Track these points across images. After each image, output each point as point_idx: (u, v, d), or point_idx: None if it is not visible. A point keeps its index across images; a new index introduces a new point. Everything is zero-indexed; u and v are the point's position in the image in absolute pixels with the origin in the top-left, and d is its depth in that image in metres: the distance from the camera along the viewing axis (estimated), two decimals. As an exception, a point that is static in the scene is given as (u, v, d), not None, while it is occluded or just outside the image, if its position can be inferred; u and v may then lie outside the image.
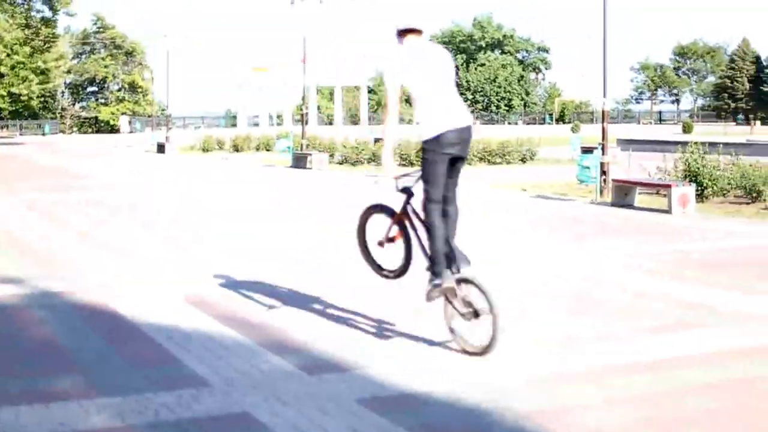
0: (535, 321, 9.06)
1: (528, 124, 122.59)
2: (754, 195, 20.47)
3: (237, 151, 53.63)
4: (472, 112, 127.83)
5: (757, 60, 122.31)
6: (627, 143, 41.14)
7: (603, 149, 22.81)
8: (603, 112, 24.01)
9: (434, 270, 7.79)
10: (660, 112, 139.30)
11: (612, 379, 7.13)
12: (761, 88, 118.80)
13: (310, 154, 37.16)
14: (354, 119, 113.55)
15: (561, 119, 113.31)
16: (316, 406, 6.45)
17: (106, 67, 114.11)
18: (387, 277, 8.44)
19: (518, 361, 7.57)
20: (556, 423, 6.15)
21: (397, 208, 8.18)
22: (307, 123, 46.28)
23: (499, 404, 6.49)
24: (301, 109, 47.80)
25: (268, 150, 52.90)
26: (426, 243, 7.93)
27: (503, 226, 17.27)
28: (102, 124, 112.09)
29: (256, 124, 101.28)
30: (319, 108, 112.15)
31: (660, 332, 8.59)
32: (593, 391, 6.81)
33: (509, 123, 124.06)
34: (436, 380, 7.04)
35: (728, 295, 10.35)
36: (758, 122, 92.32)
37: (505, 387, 6.90)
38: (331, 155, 39.88)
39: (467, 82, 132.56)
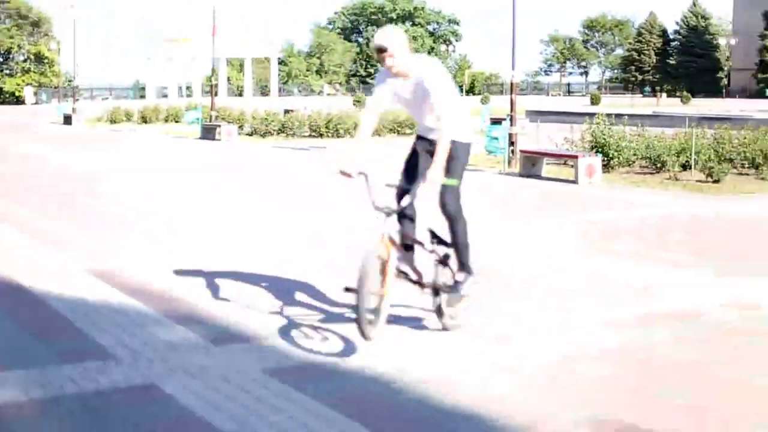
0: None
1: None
2: (659, 165, 20.84)
3: (145, 122, 52.88)
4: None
5: (663, 33, 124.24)
6: (536, 115, 41.53)
7: (511, 120, 23.01)
8: (511, 84, 24.19)
9: (468, 267, 7.48)
10: (569, 84, 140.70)
11: (498, 345, 7.24)
12: (667, 60, 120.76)
13: (219, 126, 36.85)
14: (264, 91, 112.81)
15: (471, 91, 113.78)
16: (221, 377, 6.43)
17: (11, 37, 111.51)
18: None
19: (417, 334, 7.63)
20: (447, 388, 6.22)
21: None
22: (216, 94, 45.89)
23: (405, 373, 6.54)
24: (211, 81, 47.36)
25: (176, 122, 52.25)
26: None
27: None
28: (6, 96, 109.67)
29: (165, 96, 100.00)
30: (229, 79, 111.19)
31: (564, 298, 8.73)
32: (475, 359, 6.91)
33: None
34: (342, 350, 7.06)
35: (627, 263, 10.54)
36: (664, 94, 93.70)
37: (410, 356, 6.95)
38: (241, 127, 39.62)
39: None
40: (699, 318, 8.10)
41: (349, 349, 7.05)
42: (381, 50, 7.15)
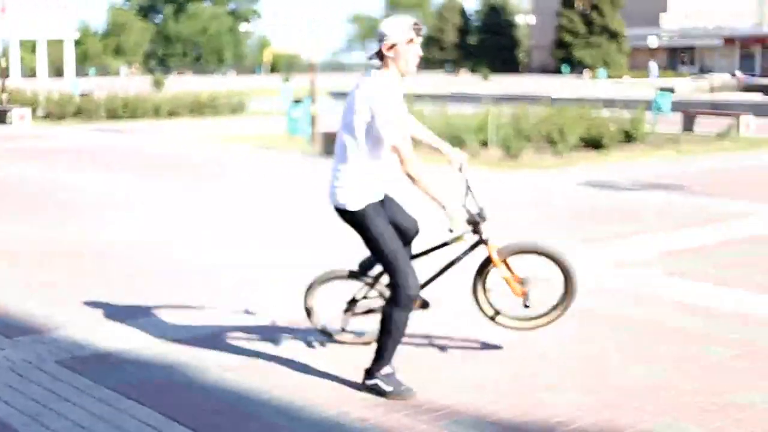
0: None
1: (240, 75, 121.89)
2: (458, 143, 21.00)
3: (-69, 106, 50.32)
4: (182, 65, 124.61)
5: (462, 12, 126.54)
6: (338, 94, 41.53)
7: (312, 100, 22.82)
8: (311, 63, 24.04)
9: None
10: (371, 64, 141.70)
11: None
12: (467, 39, 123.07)
13: (11, 108, 35.34)
14: (60, 72, 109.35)
15: (273, 70, 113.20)
16: (13, 369, 6.20)
17: None
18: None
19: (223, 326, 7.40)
20: (255, 376, 6.18)
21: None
22: (7, 76, 44.02)
23: (197, 357, 6.47)
24: (1, 62, 45.43)
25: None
26: None
27: (218, 187, 16.94)
28: None
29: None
30: (22, 59, 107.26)
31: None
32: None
33: (221, 74, 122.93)
34: (132, 338, 6.91)
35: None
36: (466, 71, 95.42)
37: (213, 345, 6.85)
38: (35, 109, 38.13)
39: (177, 34, 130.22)
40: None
41: (148, 339, 6.89)
42: (419, 29, 5.81)
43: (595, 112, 23.11)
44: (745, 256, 9.98)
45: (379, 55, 5.76)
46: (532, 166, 18.36)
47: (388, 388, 5.74)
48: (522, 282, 6.24)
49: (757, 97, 42.56)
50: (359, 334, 6.72)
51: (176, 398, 5.71)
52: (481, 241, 6.16)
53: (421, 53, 5.78)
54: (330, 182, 5.87)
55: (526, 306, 6.22)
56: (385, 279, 6.05)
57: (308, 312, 6.63)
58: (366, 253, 6.06)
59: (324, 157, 20.11)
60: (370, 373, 5.82)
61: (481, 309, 6.49)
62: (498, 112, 21.98)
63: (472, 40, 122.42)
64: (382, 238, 5.73)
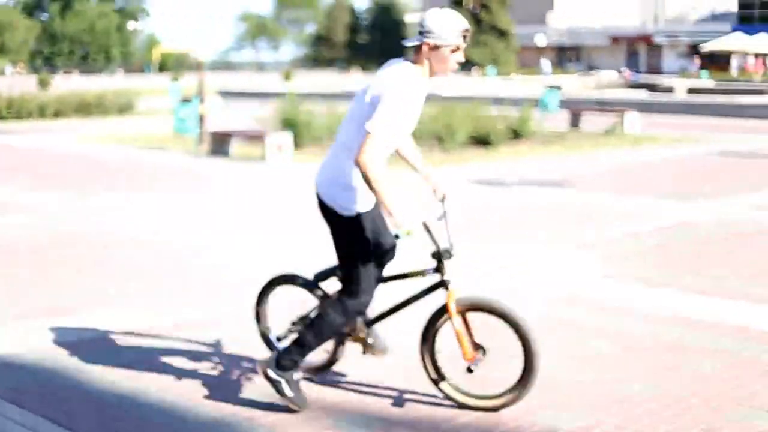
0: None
1: (128, 74, 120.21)
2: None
3: None
4: (69, 64, 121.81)
5: (352, 11, 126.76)
6: (227, 94, 41.20)
7: (201, 100, 22.55)
8: (199, 62, 23.76)
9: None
10: (261, 62, 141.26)
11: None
12: (357, 38, 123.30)
13: None
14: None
15: (162, 69, 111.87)
16: None
17: None
18: None
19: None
20: (137, 382, 6.01)
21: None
22: None
23: (86, 364, 6.28)
24: None
25: None
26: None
27: (93, 190, 16.58)
28: None
29: None
30: None
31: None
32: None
33: (109, 73, 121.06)
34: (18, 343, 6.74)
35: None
36: (357, 70, 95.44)
37: (85, 339, 6.66)
38: None
39: (63, 32, 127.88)
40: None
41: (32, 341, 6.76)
42: (466, 37, 5.19)
43: (483, 110, 23.28)
44: (628, 250, 10.10)
45: (416, 47, 5.15)
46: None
47: (288, 393, 5.37)
48: (477, 347, 5.40)
49: (642, 94, 43.49)
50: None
51: (62, 401, 5.53)
52: (441, 284, 5.39)
53: (462, 59, 5.18)
54: (325, 175, 5.26)
55: (470, 371, 5.33)
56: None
57: (257, 315, 6.06)
58: (322, 265, 5.66)
59: (211, 157, 19.89)
60: (278, 364, 5.39)
61: (425, 368, 5.59)
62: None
63: (362, 38, 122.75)
64: (364, 251, 5.27)
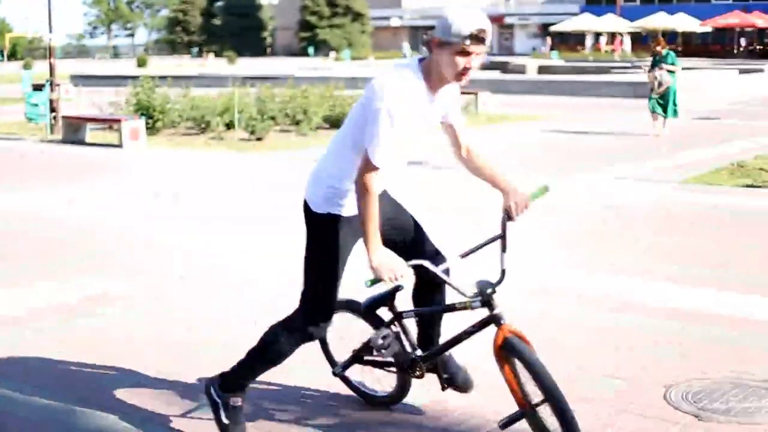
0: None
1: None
2: (203, 126, 21.04)
3: None
4: None
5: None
6: (81, 79, 40.48)
7: (52, 86, 22.24)
8: (50, 47, 23.47)
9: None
10: (115, 47, 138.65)
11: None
12: (213, 21, 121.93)
13: None
14: None
15: (13, 56, 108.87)
16: None
17: None
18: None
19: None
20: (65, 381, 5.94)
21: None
22: None
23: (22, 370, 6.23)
24: None
25: None
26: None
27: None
28: None
29: None
30: None
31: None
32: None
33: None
34: None
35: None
36: (212, 55, 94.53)
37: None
38: None
39: None
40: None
41: None
42: (482, 40, 4.31)
43: (337, 92, 23.48)
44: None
45: (428, 44, 4.39)
46: (277, 147, 18.55)
47: (225, 420, 4.87)
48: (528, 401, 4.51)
49: (494, 74, 44.29)
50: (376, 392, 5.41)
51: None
52: (492, 320, 4.52)
53: (474, 66, 4.32)
54: (313, 171, 4.78)
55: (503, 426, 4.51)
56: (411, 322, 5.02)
57: (322, 343, 5.38)
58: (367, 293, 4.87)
59: (64, 145, 19.67)
60: (222, 385, 4.91)
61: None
62: (243, 93, 22.06)
63: (218, 21, 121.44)
64: (325, 261, 4.67)
